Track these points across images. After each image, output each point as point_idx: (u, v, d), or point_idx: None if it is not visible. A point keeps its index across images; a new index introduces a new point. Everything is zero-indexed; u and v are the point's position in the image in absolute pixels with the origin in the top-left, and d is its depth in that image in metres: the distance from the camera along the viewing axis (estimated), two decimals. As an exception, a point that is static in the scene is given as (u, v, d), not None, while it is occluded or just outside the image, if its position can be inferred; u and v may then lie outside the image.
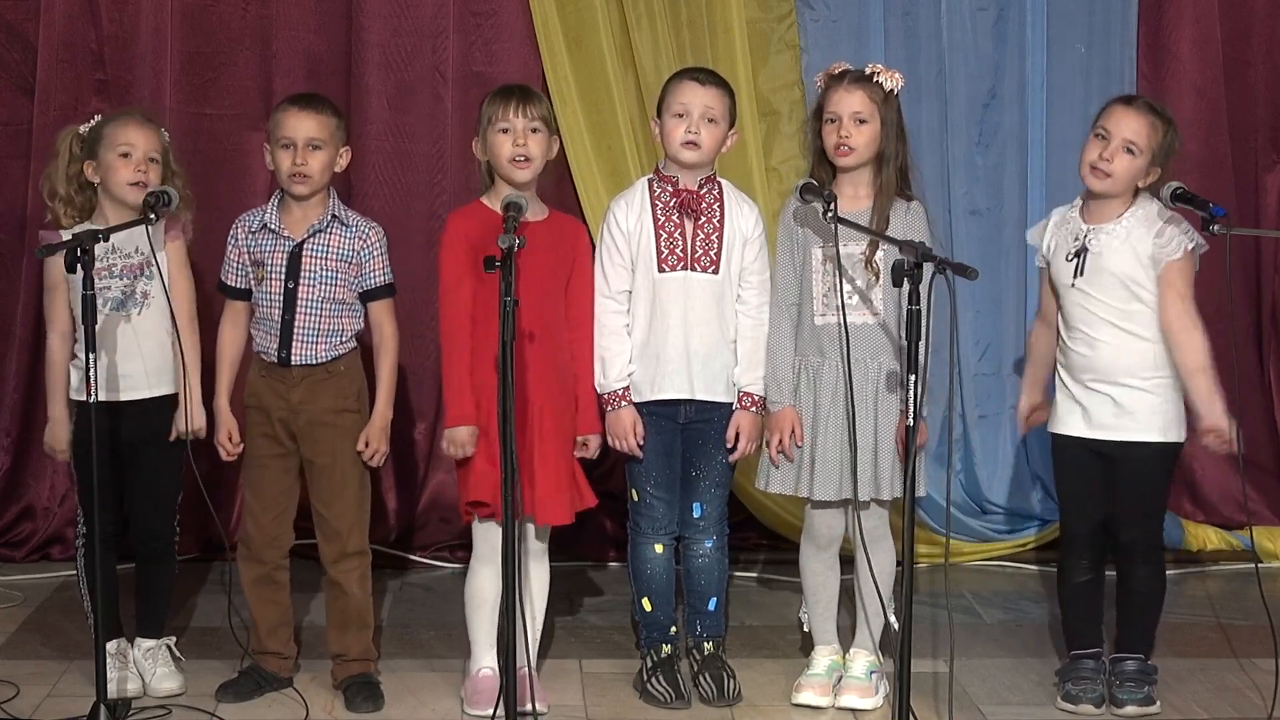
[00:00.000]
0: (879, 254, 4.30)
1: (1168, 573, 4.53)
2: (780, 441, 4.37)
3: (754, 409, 4.43)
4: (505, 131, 4.28)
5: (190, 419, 4.38)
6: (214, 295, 4.54)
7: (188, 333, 4.44)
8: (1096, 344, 4.32)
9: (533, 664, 4.28)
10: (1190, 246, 4.28)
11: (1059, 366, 4.43)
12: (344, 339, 4.41)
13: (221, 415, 4.41)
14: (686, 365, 4.39)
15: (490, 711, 4.22)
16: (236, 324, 4.45)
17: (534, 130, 4.29)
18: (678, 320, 4.39)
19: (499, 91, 4.38)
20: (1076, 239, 4.34)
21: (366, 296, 4.44)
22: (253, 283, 4.40)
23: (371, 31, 5.58)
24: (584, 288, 4.41)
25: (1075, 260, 4.33)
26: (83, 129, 4.46)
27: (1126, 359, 4.30)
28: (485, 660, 4.41)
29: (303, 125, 4.33)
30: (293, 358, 4.35)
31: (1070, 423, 4.39)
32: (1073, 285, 4.33)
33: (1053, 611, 5.13)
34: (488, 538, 4.35)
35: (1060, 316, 4.41)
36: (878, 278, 4.31)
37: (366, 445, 4.39)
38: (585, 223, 5.48)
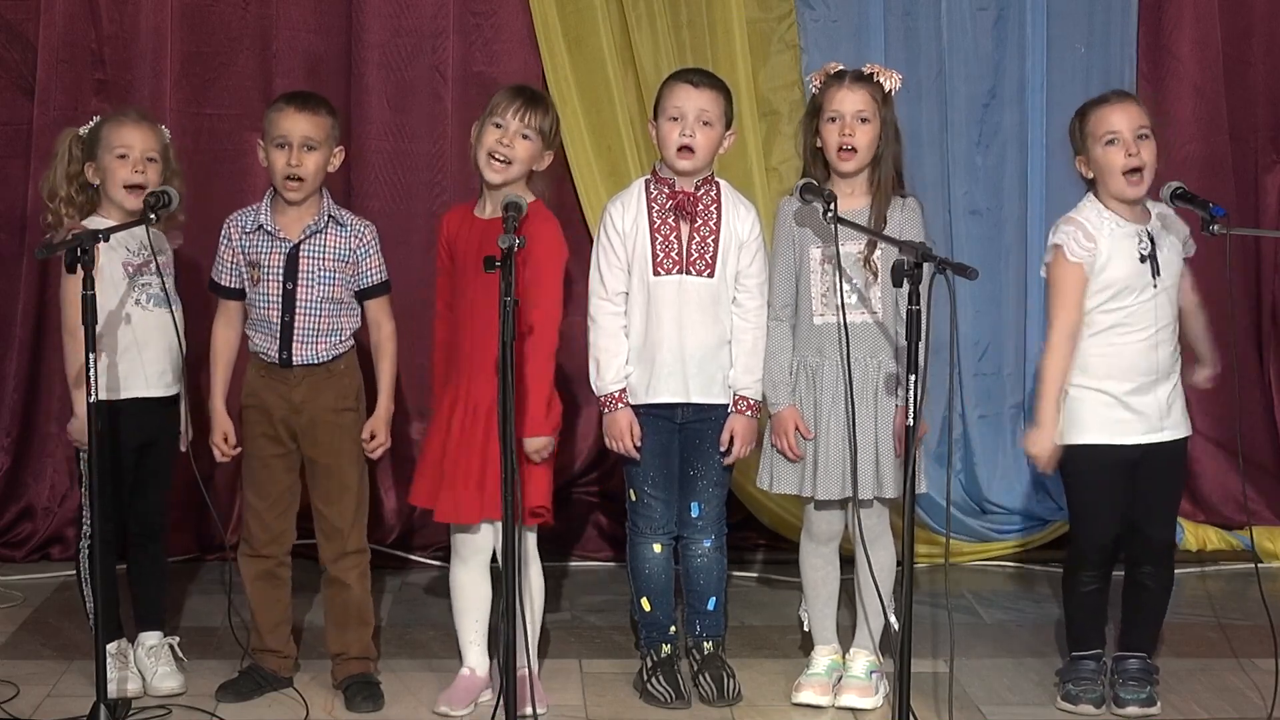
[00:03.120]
0: (877, 253, 4.30)
1: (1168, 572, 4.54)
2: (786, 442, 4.38)
3: (748, 413, 4.42)
4: (497, 126, 4.28)
5: (185, 430, 4.45)
6: (207, 294, 4.54)
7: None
8: (1164, 344, 4.30)
9: (532, 665, 4.28)
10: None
11: (1097, 376, 4.29)
12: (343, 338, 4.41)
13: (217, 416, 4.41)
14: (682, 369, 4.39)
15: (457, 711, 4.31)
16: (230, 324, 4.44)
17: (524, 137, 4.28)
18: (672, 324, 4.38)
19: (511, 89, 4.37)
20: (1141, 240, 4.29)
21: (363, 294, 4.44)
22: (248, 283, 4.40)
23: (371, 31, 5.58)
24: (535, 291, 4.22)
25: (1148, 262, 4.28)
26: (82, 131, 4.47)
27: (1174, 354, 4.33)
28: (468, 660, 4.43)
29: (299, 125, 4.32)
30: (294, 359, 4.35)
31: (1111, 431, 4.28)
32: (1154, 287, 4.28)
33: (1052, 612, 5.13)
34: (462, 537, 4.37)
35: (1113, 323, 4.28)
36: (876, 277, 4.31)
37: (372, 438, 4.40)
38: (585, 223, 5.50)
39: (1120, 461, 4.31)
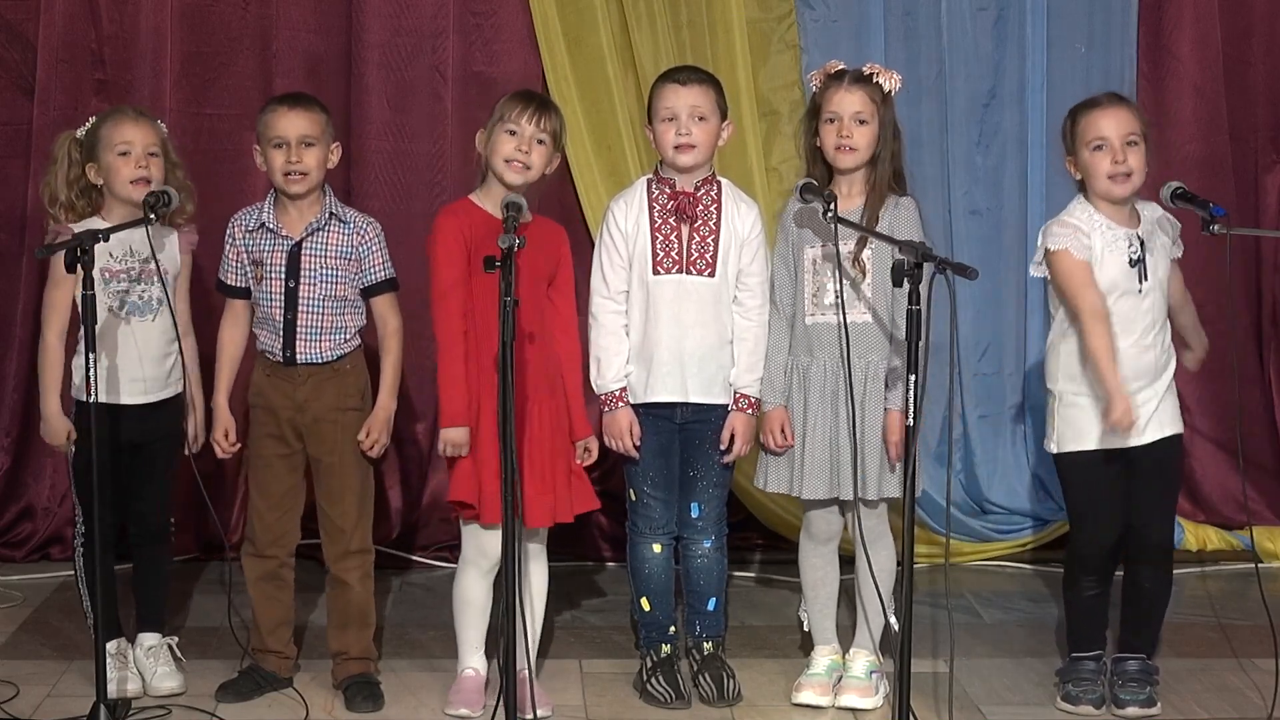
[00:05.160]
0: (866, 252, 4.30)
1: (1168, 572, 4.53)
2: (772, 440, 4.38)
3: (749, 411, 4.43)
4: (512, 134, 4.28)
5: (195, 436, 4.45)
6: (215, 294, 4.54)
7: (189, 343, 4.47)
8: (1153, 347, 4.30)
9: (531, 666, 4.28)
10: None
11: (1091, 381, 4.27)
12: (348, 336, 4.41)
13: (219, 413, 4.41)
14: (680, 369, 4.39)
15: (477, 713, 4.29)
16: (237, 323, 4.45)
17: (540, 141, 4.28)
18: (670, 324, 4.38)
19: (520, 93, 4.37)
20: (1131, 244, 4.29)
21: (369, 292, 4.44)
22: (252, 282, 4.40)
23: (371, 31, 5.58)
24: (567, 292, 4.41)
25: (1138, 266, 4.29)
26: (79, 133, 4.47)
27: (1167, 356, 4.34)
28: (470, 661, 4.42)
29: (295, 123, 4.33)
30: (298, 356, 4.35)
31: (1107, 439, 4.27)
32: (1140, 291, 4.28)
33: (1052, 612, 5.13)
34: (474, 540, 4.35)
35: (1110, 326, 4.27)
36: (865, 275, 4.31)
37: (368, 435, 4.39)
38: (585, 222, 5.50)
39: (1111, 466, 4.31)
